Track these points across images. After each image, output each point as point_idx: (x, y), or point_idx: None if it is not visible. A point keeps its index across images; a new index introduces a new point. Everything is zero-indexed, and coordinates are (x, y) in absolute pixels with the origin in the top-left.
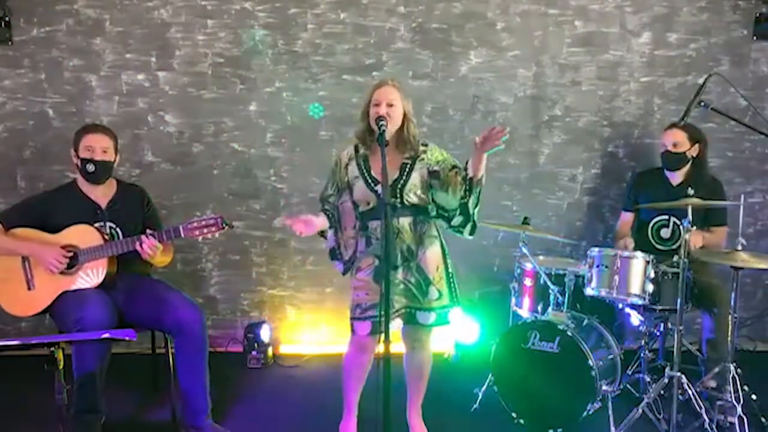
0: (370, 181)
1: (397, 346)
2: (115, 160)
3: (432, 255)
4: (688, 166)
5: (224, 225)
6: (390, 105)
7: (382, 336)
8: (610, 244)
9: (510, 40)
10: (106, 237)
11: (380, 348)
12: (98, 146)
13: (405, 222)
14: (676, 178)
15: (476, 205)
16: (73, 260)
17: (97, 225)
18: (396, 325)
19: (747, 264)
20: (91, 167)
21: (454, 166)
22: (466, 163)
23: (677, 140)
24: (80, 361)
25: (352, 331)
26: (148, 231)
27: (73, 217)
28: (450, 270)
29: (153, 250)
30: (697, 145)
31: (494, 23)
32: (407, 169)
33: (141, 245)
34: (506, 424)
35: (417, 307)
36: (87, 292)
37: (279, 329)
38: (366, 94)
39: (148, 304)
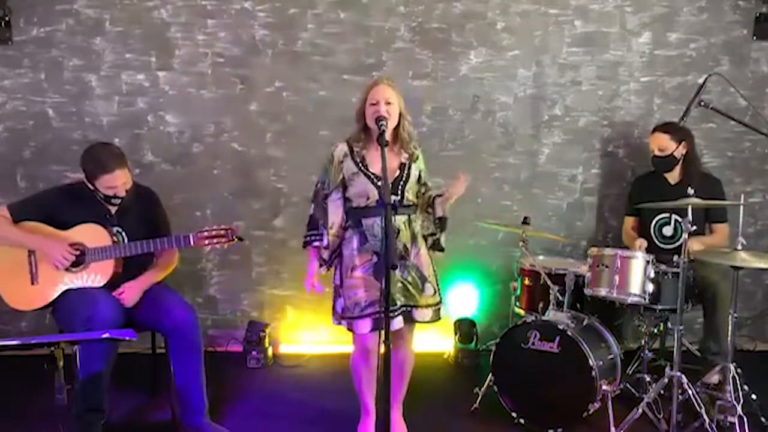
0: (372, 176)
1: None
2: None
3: (424, 252)
4: (680, 165)
5: (234, 238)
6: (388, 103)
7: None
8: (610, 244)
9: (510, 40)
10: (115, 240)
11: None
12: (120, 183)
13: (401, 221)
14: (673, 177)
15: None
16: (80, 258)
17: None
18: (397, 324)
19: (747, 264)
20: (117, 201)
21: (425, 183)
22: (432, 200)
23: (661, 144)
24: (86, 360)
25: (351, 330)
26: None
27: (81, 217)
28: (434, 268)
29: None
30: (683, 143)
31: (494, 23)
32: (406, 168)
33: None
34: (506, 424)
35: (414, 305)
36: (94, 291)
37: (279, 329)
38: (361, 93)
39: (145, 305)
